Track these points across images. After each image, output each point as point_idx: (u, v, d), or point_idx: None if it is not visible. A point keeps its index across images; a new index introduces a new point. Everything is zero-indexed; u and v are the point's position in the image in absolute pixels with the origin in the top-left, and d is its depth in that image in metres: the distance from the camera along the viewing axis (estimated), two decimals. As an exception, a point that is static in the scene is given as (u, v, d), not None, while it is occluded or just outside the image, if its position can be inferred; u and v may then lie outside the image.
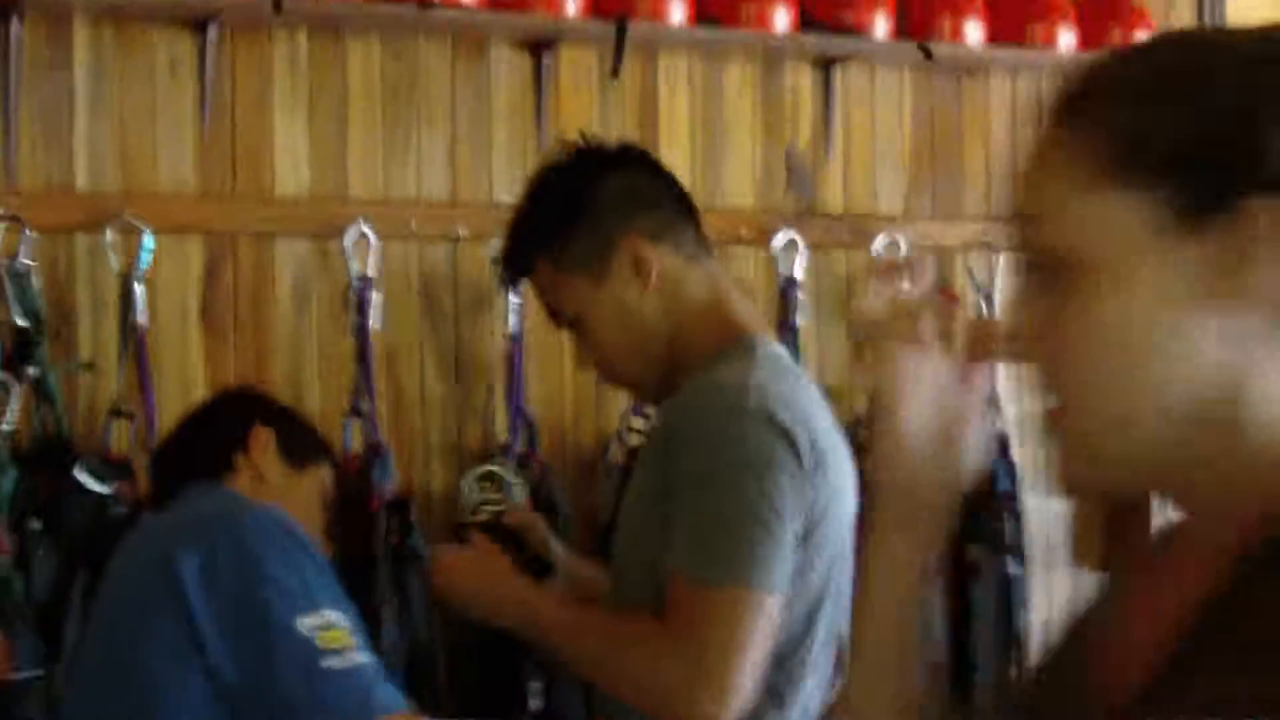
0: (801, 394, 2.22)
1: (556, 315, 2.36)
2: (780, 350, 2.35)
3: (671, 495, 2.13)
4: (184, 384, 3.13)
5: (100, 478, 2.91)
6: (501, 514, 2.51)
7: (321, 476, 2.35)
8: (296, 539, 2.06)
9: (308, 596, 1.98)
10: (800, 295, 3.67)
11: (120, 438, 3.03)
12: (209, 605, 1.95)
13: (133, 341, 3.04)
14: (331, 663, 1.94)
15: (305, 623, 1.95)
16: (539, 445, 3.40)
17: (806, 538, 2.13)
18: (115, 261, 3.04)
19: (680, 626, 2.05)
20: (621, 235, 2.26)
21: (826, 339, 3.81)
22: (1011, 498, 3.96)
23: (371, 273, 3.23)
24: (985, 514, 3.94)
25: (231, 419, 2.31)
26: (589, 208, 2.28)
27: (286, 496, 2.25)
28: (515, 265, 2.37)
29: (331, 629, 1.96)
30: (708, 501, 2.09)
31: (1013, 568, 3.95)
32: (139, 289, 3.03)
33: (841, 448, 2.26)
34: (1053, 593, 4.20)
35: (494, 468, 3.25)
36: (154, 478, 2.37)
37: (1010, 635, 3.95)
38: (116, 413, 3.03)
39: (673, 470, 2.14)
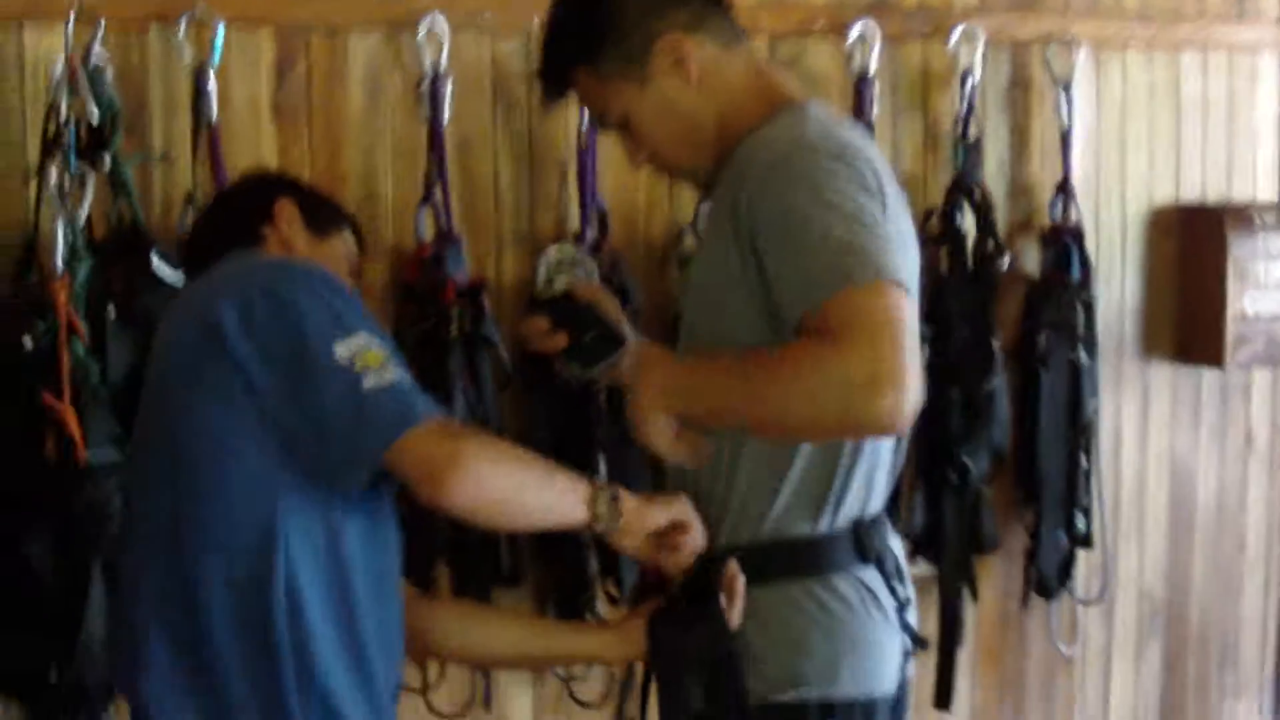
0: (863, 141, 2.17)
1: (603, 120, 2.32)
2: (831, 112, 2.27)
3: (757, 250, 2.07)
4: (258, 175, 3.13)
5: (175, 266, 2.94)
6: (574, 288, 2.50)
7: (346, 240, 2.39)
8: (326, 279, 2.11)
9: (340, 323, 2.02)
10: (875, 89, 3.60)
11: (198, 225, 3.04)
12: (251, 347, 2.00)
13: (206, 134, 3.03)
14: (371, 382, 1.98)
15: (342, 349, 2.00)
16: (611, 235, 3.40)
17: None
18: (188, 54, 3.03)
19: (840, 330, 1.93)
20: (657, 33, 2.21)
21: (901, 133, 3.76)
22: (1084, 287, 3.94)
23: (444, 65, 3.20)
24: (1057, 303, 3.93)
25: (256, 194, 2.35)
26: (620, 11, 2.23)
27: (314, 260, 2.30)
28: (554, 81, 2.31)
29: (367, 351, 2.00)
30: (809, 231, 2.00)
31: (1082, 356, 3.95)
32: (212, 81, 3.03)
33: (905, 204, 2.19)
34: (1122, 382, 4.19)
35: (568, 246, 3.22)
36: (187, 255, 2.41)
37: (1077, 424, 3.96)
38: (190, 202, 3.04)
39: (747, 224, 2.08)
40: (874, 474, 2.23)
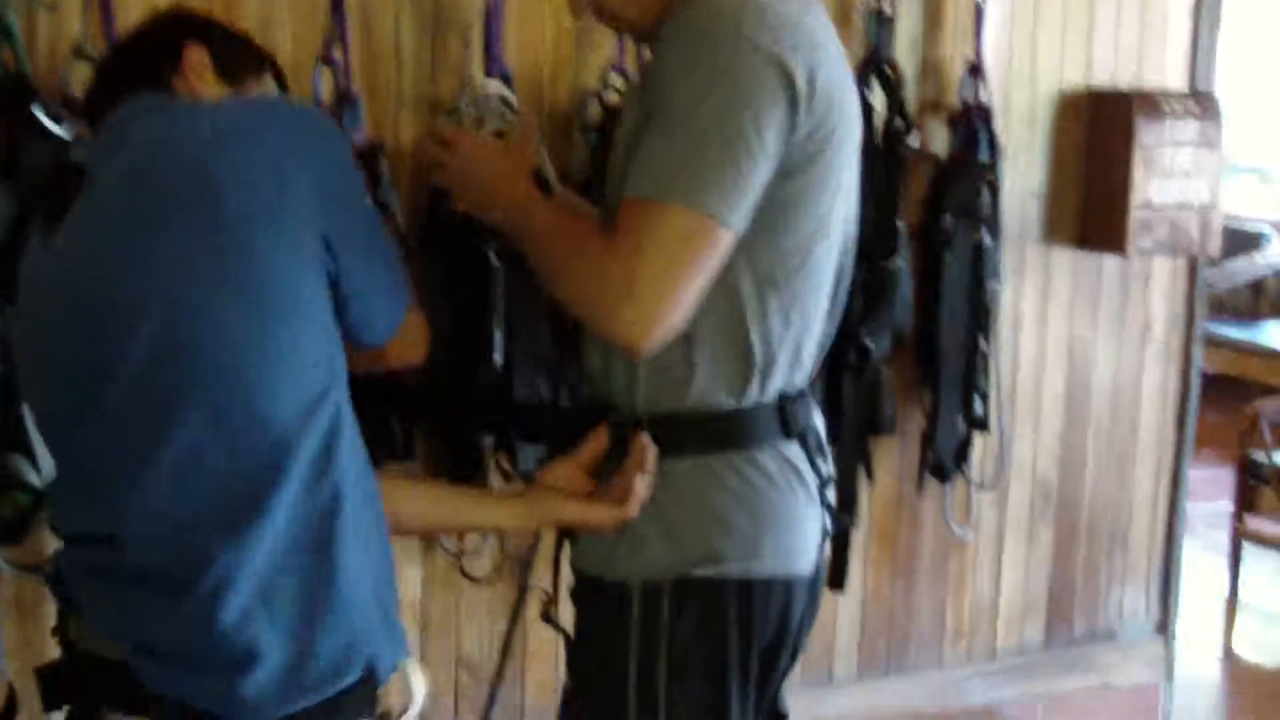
0: (807, 18, 2.13)
1: None
2: None
3: (650, 126, 2.07)
4: (149, 26, 3.04)
5: (59, 120, 2.86)
6: (507, 127, 2.44)
7: (265, 85, 2.24)
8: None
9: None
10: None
11: (82, 81, 2.94)
12: (335, 210, 1.95)
13: (96, -19, 2.94)
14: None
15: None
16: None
17: (802, 170, 2.08)
18: (75, -106, 2.94)
19: (621, 238, 2.01)
20: None
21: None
22: (990, 169, 3.95)
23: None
24: (963, 184, 3.94)
25: (161, 37, 2.17)
26: None
27: None
28: None
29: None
30: (681, 129, 2.02)
31: (986, 238, 3.96)
32: (102, -76, 2.93)
33: (847, 80, 2.18)
34: (1024, 267, 4.22)
35: (497, 83, 3.15)
36: (89, 104, 2.20)
37: (977, 307, 3.98)
38: (78, 54, 2.95)
39: (654, 102, 2.07)
40: (801, 347, 2.21)
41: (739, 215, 2.03)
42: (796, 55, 2.04)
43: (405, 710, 2.02)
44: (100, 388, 1.88)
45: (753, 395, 2.17)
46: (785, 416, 2.21)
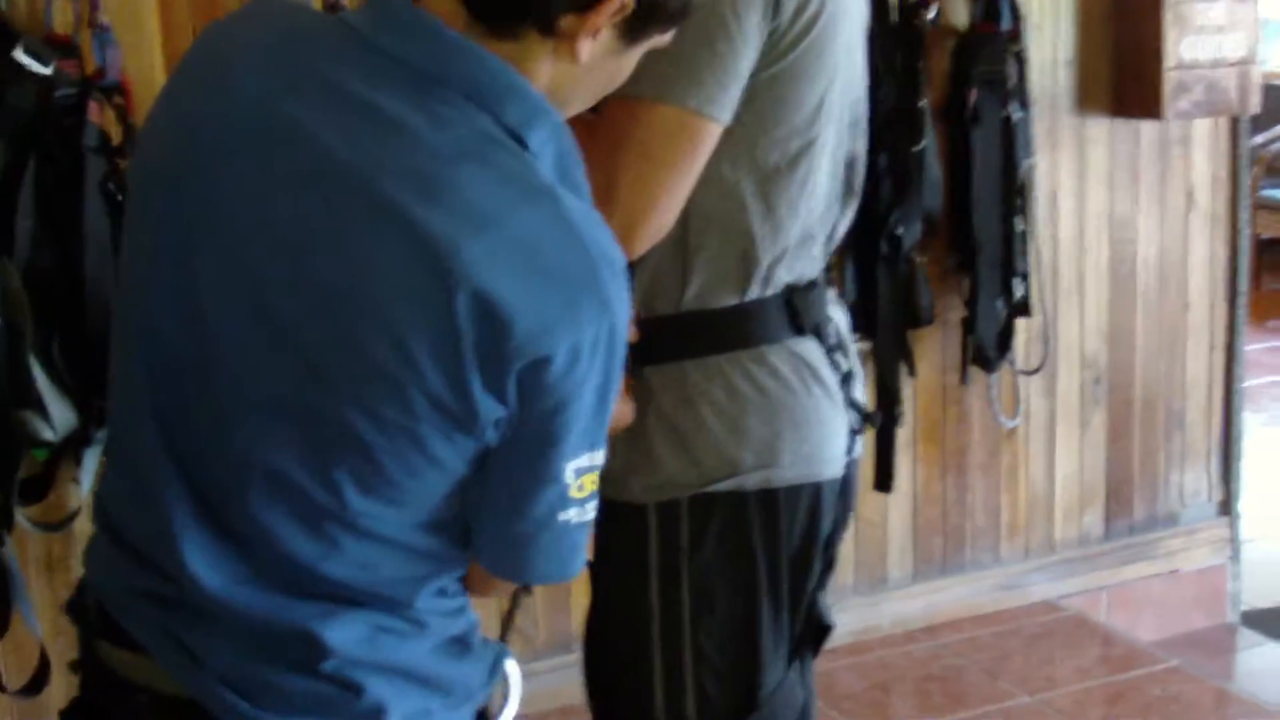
0: None
1: None
2: None
3: None
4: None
5: (42, 58, 2.85)
6: None
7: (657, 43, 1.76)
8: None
9: (597, 429, 1.61)
10: None
11: (62, 16, 2.95)
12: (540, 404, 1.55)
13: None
14: (570, 515, 1.64)
15: (577, 464, 1.61)
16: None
17: (789, 54, 2.03)
18: None
19: (601, 140, 1.96)
20: None
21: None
22: (1014, 38, 3.93)
23: None
24: (987, 56, 3.92)
25: None
26: None
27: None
28: None
29: (595, 471, 1.63)
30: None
31: (1015, 112, 3.94)
32: None
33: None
34: (1058, 139, 4.19)
35: None
36: None
37: (1011, 185, 3.96)
38: (60, -11, 2.95)
39: None
40: (809, 237, 2.16)
41: (721, 106, 2.00)
42: None
43: (504, 707, 2.00)
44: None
45: (755, 290, 2.12)
46: (794, 310, 2.15)
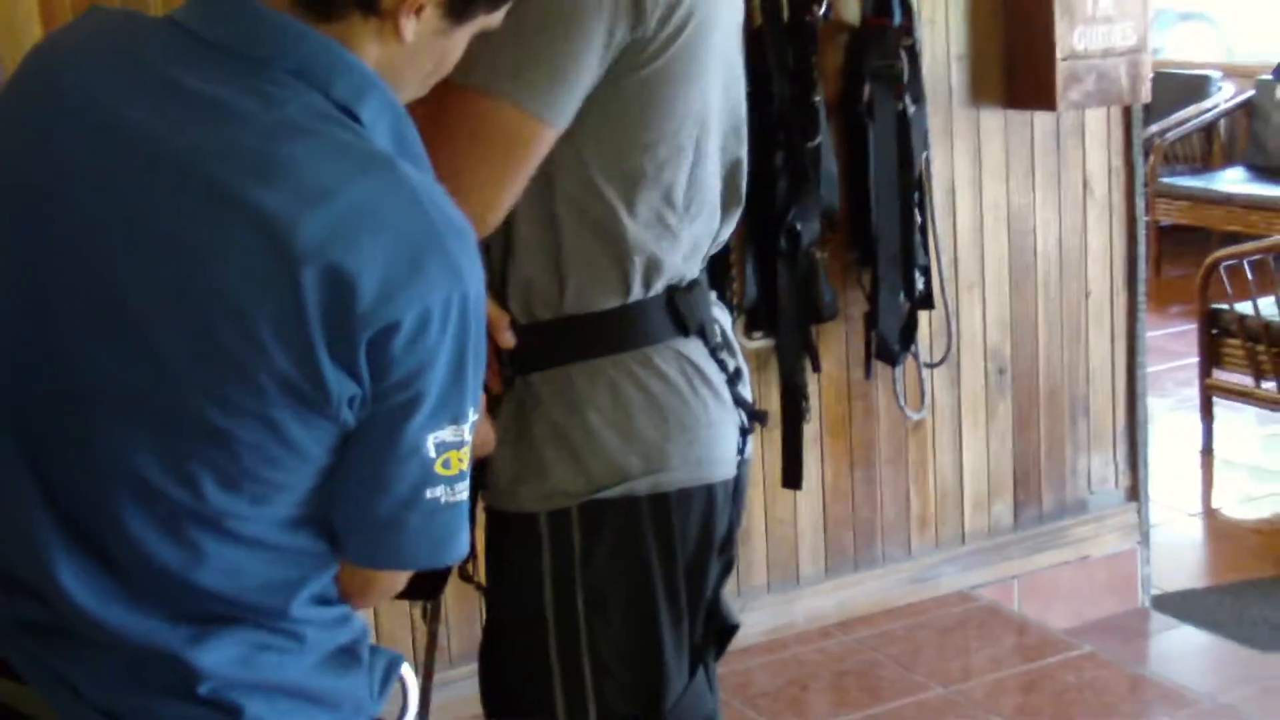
0: None
1: None
2: None
3: None
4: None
5: None
6: None
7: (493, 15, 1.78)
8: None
9: (459, 398, 1.60)
10: None
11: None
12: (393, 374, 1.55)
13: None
14: (438, 493, 1.63)
15: (438, 437, 1.60)
16: None
17: (655, 59, 2.01)
18: None
19: (436, 123, 1.91)
20: None
21: None
22: (907, 32, 3.97)
23: None
24: (880, 50, 3.96)
25: None
26: None
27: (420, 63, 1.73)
28: None
29: (461, 448, 1.63)
30: (512, 16, 1.88)
31: (909, 106, 3.99)
32: None
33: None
34: (953, 132, 4.25)
35: None
36: None
37: (908, 178, 4.01)
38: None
39: None
40: (688, 241, 2.15)
41: (554, 110, 1.97)
42: None
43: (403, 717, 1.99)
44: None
45: (637, 292, 2.11)
46: (676, 310, 2.14)
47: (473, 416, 1.63)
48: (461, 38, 1.71)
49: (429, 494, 1.63)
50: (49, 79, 1.65)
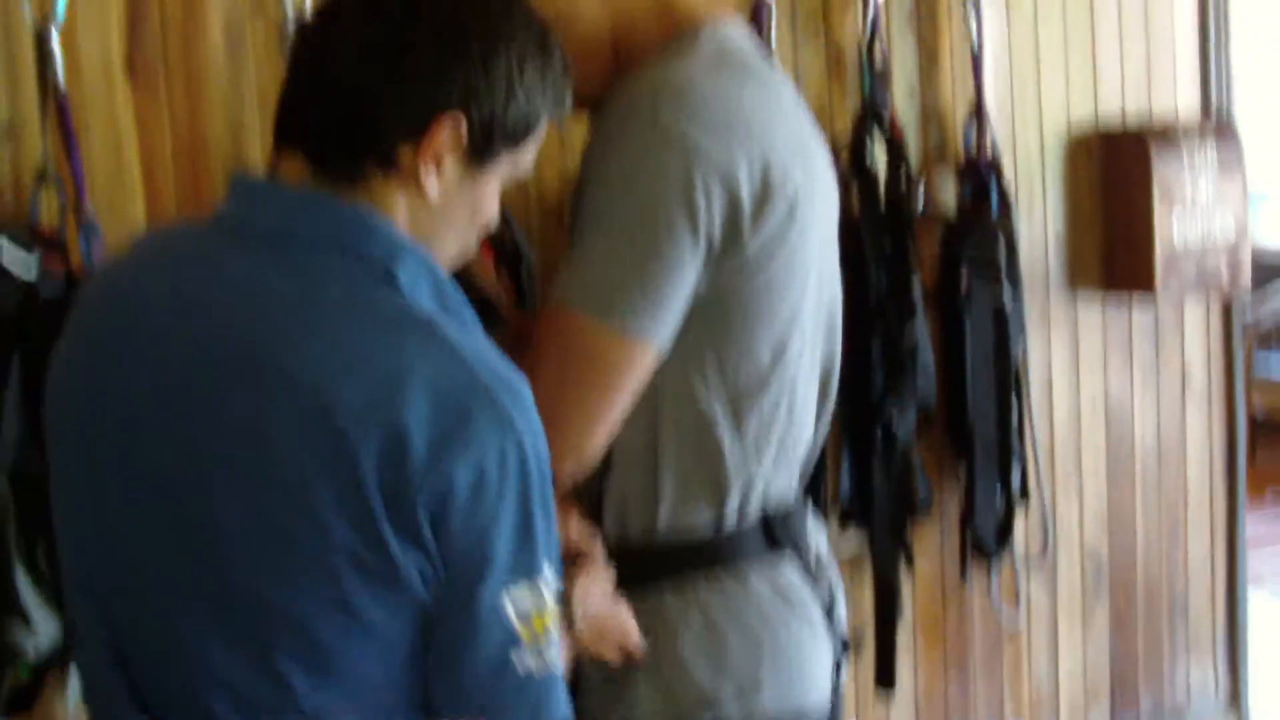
0: (746, 92, 2.08)
1: None
2: (731, 38, 2.16)
3: (577, 223, 2.04)
4: (114, 143, 3.07)
5: (28, 249, 2.88)
6: None
7: (521, 158, 1.80)
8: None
9: (530, 549, 1.61)
10: (773, 12, 3.61)
11: (48, 208, 2.97)
12: (461, 534, 1.59)
13: (53, 100, 2.95)
14: (527, 662, 1.63)
15: (516, 599, 1.61)
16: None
17: (761, 268, 2.04)
18: (29, 12, 2.95)
19: (537, 352, 1.94)
20: None
21: (803, 57, 3.79)
22: (1004, 219, 4.00)
23: (309, 7, 3.16)
24: (977, 239, 3.99)
25: (409, 100, 1.68)
26: None
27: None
28: None
29: (544, 611, 1.63)
30: (596, 233, 1.97)
31: (1007, 295, 4.00)
32: (56, 41, 2.95)
33: (808, 153, 2.13)
34: (1050, 320, 4.27)
35: None
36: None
37: (1006, 367, 4.02)
38: (43, 179, 2.96)
39: (584, 195, 2.05)
40: (786, 453, 2.16)
41: (651, 326, 1.98)
42: (731, 146, 2.00)
43: None
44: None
45: (732, 513, 2.11)
46: (774, 535, 2.15)
47: (549, 572, 1.63)
48: (492, 183, 1.74)
49: (516, 660, 1.62)
50: (107, 298, 1.75)
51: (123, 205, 3.10)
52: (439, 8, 1.66)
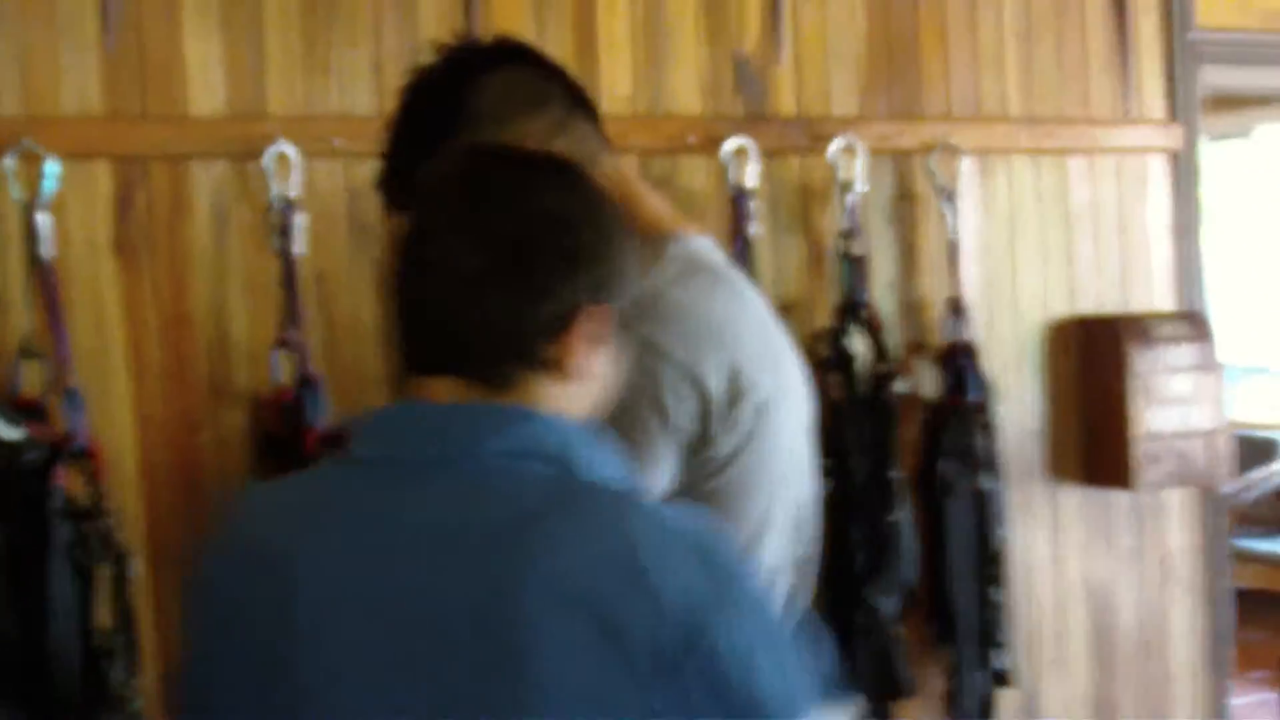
0: (721, 301, 2.12)
1: None
2: (699, 249, 2.20)
3: None
4: (98, 319, 3.14)
5: (12, 422, 2.93)
6: None
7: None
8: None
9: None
10: (753, 204, 3.70)
11: (31, 380, 3.03)
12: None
13: (39, 276, 3.03)
14: None
15: None
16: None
17: (731, 464, 2.07)
18: (17, 191, 3.03)
19: None
20: (509, 139, 2.08)
21: (783, 249, 3.85)
22: (982, 409, 4.04)
23: (294, 193, 3.25)
24: (957, 427, 4.02)
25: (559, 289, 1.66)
26: (466, 115, 2.11)
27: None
28: (396, 189, 2.16)
29: None
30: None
31: (986, 482, 4.03)
32: (43, 219, 3.03)
33: (777, 355, 2.17)
34: (1031, 508, 4.28)
35: None
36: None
37: (987, 553, 4.03)
38: (26, 353, 3.03)
39: None
40: None
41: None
42: (701, 351, 2.04)
43: None
44: None
45: None
46: None
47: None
48: (613, 355, 1.73)
49: None
50: (262, 555, 1.64)
51: (106, 376, 3.15)
52: (541, 214, 1.64)
